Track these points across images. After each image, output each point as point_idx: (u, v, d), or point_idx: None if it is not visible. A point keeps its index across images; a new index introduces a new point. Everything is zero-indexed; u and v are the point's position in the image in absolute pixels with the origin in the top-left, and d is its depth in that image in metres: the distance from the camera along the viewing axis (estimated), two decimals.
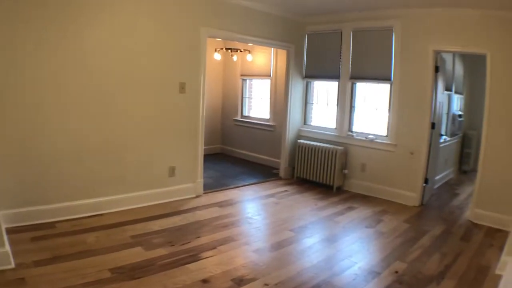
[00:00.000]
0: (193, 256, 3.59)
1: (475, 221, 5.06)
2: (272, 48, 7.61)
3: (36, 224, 3.99)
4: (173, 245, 3.81)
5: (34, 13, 3.82)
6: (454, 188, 7.18)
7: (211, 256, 3.63)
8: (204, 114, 5.56)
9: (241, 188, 6.21)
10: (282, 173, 7.08)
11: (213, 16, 5.44)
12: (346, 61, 6.37)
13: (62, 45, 4.07)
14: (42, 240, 3.67)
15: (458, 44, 5.18)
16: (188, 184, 5.48)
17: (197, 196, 5.53)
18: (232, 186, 6.23)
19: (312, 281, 3.27)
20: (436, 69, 5.44)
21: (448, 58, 6.99)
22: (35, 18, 3.83)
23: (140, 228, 4.20)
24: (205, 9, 5.33)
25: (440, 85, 5.74)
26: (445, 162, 7.57)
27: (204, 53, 5.39)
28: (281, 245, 4.03)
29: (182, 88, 5.19)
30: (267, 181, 6.75)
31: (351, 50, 6.32)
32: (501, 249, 3.96)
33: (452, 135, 7.89)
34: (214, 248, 3.82)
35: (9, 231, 3.49)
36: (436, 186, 6.79)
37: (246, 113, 8.85)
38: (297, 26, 6.78)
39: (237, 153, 8.86)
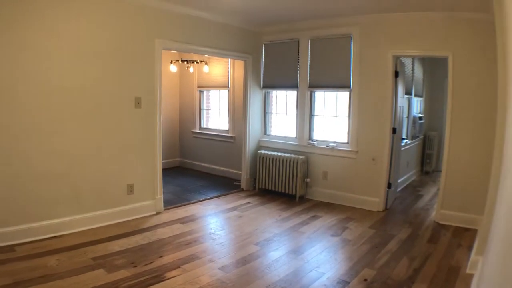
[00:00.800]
0: (157, 277, 3.43)
1: (442, 222, 5.13)
2: (229, 59, 7.53)
3: None
4: (136, 266, 3.63)
5: None
6: (417, 189, 7.29)
7: (175, 276, 3.47)
8: (161, 128, 5.39)
9: (202, 202, 6.06)
10: (244, 184, 6.98)
11: (168, 27, 5.30)
12: (304, 69, 6.37)
13: (13, 57, 3.84)
14: (2, 264, 3.47)
15: (418, 48, 5.27)
16: (148, 201, 5.28)
17: (158, 213, 5.34)
18: (193, 201, 6.06)
19: None
20: (396, 74, 5.51)
21: (407, 61, 7.14)
22: None
23: (101, 249, 4.00)
24: (160, 21, 5.18)
25: (400, 90, 5.82)
26: (407, 165, 7.70)
27: (159, 66, 5.23)
28: (247, 260, 3.91)
29: (137, 103, 5.02)
30: (229, 193, 6.63)
31: (309, 59, 6.32)
32: (470, 248, 4.01)
33: (413, 137, 8.05)
34: (178, 267, 3.66)
35: None
36: (399, 189, 6.87)
37: (204, 125, 8.71)
38: (253, 36, 6.74)
39: (197, 166, 8.69)
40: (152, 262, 3.75)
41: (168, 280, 3.37)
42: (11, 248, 3.85)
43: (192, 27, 5.64)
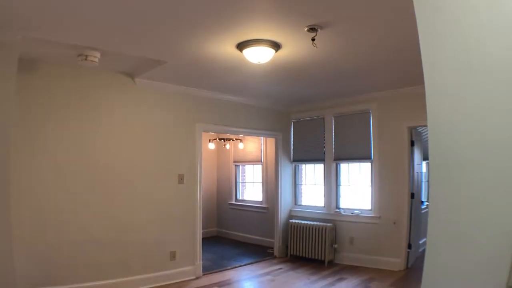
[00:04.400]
0: None
1: None
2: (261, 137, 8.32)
3: None
4: None
5: (51, 115, 4.52)
6: None
7: None
8: (201, 201, 6.08)
9: (238, 268, 6.56)
10: (276, 251, 7.46)
11: (206, 112, 6.17)
12: (329, 144, 7.04)
13: (70, 140, 4.74)
14: None
15: None
16: (188, 266, 5.86)
17: (197, 278, 5.88)
18: (229, 267, 6.58)
19: None
20: (412, 143, 6.07)
21: (424, 129, 7.66)
22: (49, 120, 4.54)
23: None
24: (199, 107, 6.06)
25: (417, 157, 6.34)
26: None
27: (200, 146, 6.03)
28: None
29: (181, 179, 5.76)
30: (263, 260, 7.12)
31: (333, 134, 7.02)
32: None
33: None
34: None
35: None
36: (421, 249, 7.17)
37: (240, 197, 9.37)
38: (282, 115, 7.53)
39: (232, 235, 9.25)
40: None
41: None
42: None
43: (227, 110, 6.49)
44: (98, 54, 4.13)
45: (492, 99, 1.04)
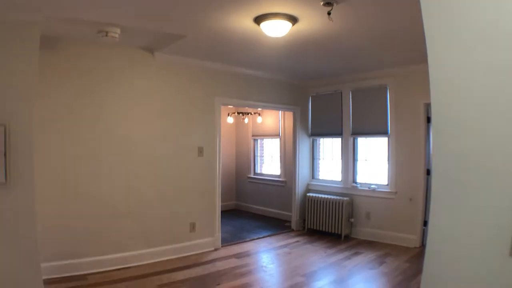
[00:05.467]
0: None
1: None
2: (280, 111, 8.32)
3: (70, 276, 4.56)
4: None
5: (78, 91, 4.63)
6: None
7: None
8: (220, 174, 6.17)
9: (256, 240, 6.69)
10: (294, 225, 7.56)
11: (225, 86, 6.20)
12: (347, 118, 7.02)
13: (92, 115, 4.85)
14: None
15: None
16: (207, 238, 6.00)
17: (216, 249, 6.02)
18: (247, 239, 6.72)
19: None
20: (428, 120, 6.02)
21: None
22: (71, 95, 4.65)
23: (165, 279, 4.69)
24: (218, 81, 6.10)
25: None
26: None
27: (219, 120, 6.09)
28: None
29: (200, 152, 5.85)
30: (280, 233, 7.23)
31: (351, 108, 6.98)
32: None
33: None
34: None
35: (46, 282, 4.09)
36: None
37: (258, 170, 9.47)
38: (301, 90, 7.51)
39: (251, 208, 9.38)
40: None
41: None
42: (83, 277, 4.59)
43: (246, 84, 6.51)
44: (118, 30, 4.18)
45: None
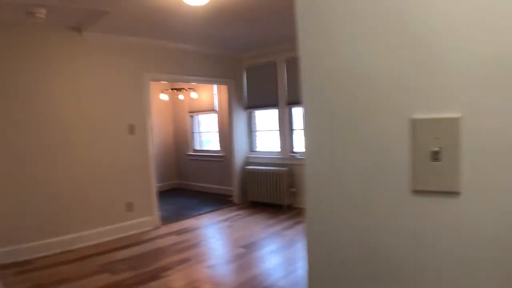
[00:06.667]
0: (154, 277, 4.00)
1: None
2: (214, 85, 8.17)
3: (16, 262, 4.44)
4: (136, 269, 4.22)
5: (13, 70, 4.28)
6: None
7: (169, 275, 4.03)
8: (154, 151, 6.00)
9: (197, 217, 6.60)
10: (235, 199, 7.53)
11: (155, 61, 5.96)
12: (283, 89, 6.99)
13: (21, 98, 4.59)
14: (25, 274, 4.14)
15: None
16: (147, 217, 5.85)
17: (156, 228, 5.88)
18: (188, 216, 6.62)
19: (262, 284, 3.72)
20: None
21: None
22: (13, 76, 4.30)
23: (106, 258, 4.61)
24: (146, 57, 5.84)
25: None
26: None
27: (148, 96, 5.86)
28: (233, 259, 4.47)
29: (131, 129, 5.63)
30: (222, 208, 7.18)
31: (285, 79, 6.95)
32: None
33: None
34: (172, 268, 4.22)
35: None
36: None
37: (197, 147, 9.31)
38: (235, 62, 7.38)
39: (193, 186, 9.25)
40: (150, 265, 4.33)
41: (163, 279, 3.94)
42: (28, 262, 4.47)
43: (177, 59, 6.29)
44: (44, 10, 4.13)
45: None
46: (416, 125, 0.86)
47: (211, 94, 8.61)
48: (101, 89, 5.32)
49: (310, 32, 1.00)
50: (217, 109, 8.53)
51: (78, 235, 5.06)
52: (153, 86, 5.94)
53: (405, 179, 0.88)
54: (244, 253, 4.65)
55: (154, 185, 5.96)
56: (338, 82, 0.97)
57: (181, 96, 8.99)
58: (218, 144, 8.66)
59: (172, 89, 8.84)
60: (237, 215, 6.62)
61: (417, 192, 0.87)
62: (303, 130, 1.03)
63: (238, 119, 7.48)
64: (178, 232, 5.66)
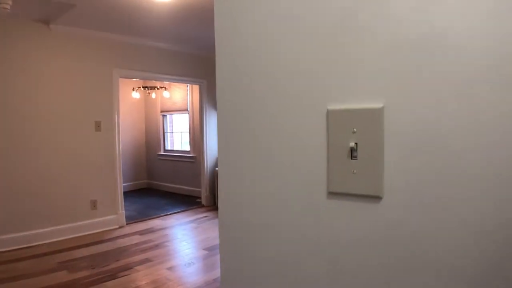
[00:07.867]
0: (111, 276, 3.93)
1: None
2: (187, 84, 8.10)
3: None
4: (94, 268, 4.14)
5: None
6: None
7: (127, 275, 3.95)
8: (123, 150, 5.89)
9: (163, 217, 6.52)
10: (204, 201, 7.45)
11: (125, 58, 5.86)
12: None
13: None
14: None
15: None
16: (111, 216, 5.74)
17: (120, 227, 5.78)
18: (154, 216, 6.52)
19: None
20: None
21: None
22: None
23: (65, 256, 4.53)
24: (116, 53, 5.74)
25: None
26: None
27: (117, 92, 5.76)
28: (194, 261, 4.40)
29: (98, 126, 5.52)
30: (190, 209, 7.10)
31: None
32: None
33: None
34: (131, 268, 4.14)
35: None
36: None
37: (168, 147, 9.21)
38: (207, 61, 7.30)
39: (163, 187, 9.14)
40: (109, 264, 4.25)
41: (120, 278, 3.87)
42: None
43: (148, 56, 6.20)
44: (9, 1, 3.96)
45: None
46: (330, 117, 0.75)
47: (185, 93, 8.52)
48: (68, 84, 5.21)
49: (221, 17, 0.91)
50: (189, 109, 8.45)
51: (40, 231, 4.96)
52: (125, 83, 5.84)
53: (322, 180, 0.78)
54: (207, 255, 4.59)
55: (120, 184, 5.85)
56: (246, 71, 0.87)
57: (153, 95, 8.88)
58: (189, 145, 8.58)
59: (144, 87, 8.72)
60: (205, 216, 6.55)
61: (332, 194, 0.76)
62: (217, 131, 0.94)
63: (210, 119, 7.42)
64: (142, 232, 5.57)
